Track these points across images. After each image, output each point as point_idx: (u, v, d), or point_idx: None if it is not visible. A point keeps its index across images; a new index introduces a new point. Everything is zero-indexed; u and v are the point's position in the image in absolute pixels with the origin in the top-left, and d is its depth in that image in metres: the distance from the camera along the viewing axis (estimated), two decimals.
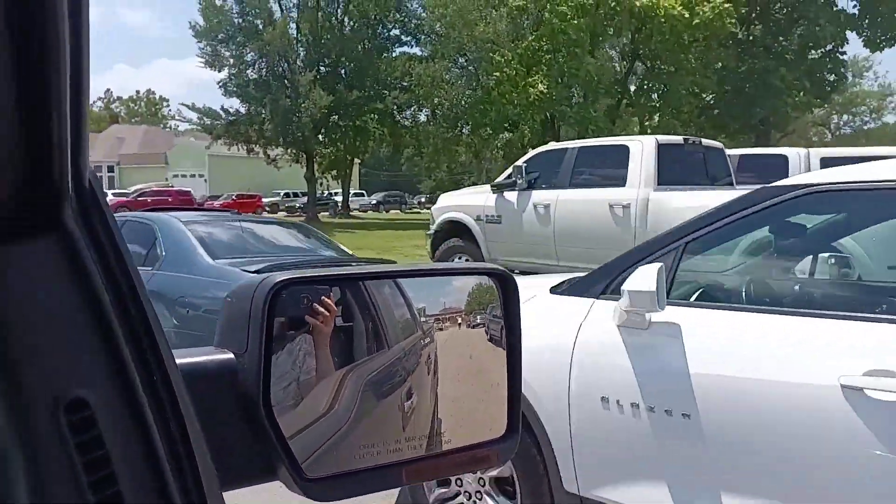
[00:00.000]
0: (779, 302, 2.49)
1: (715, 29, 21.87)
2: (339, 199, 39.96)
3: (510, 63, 22.27)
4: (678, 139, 7.52)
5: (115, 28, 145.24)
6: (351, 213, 38.35)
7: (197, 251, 4.65)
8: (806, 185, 2.27)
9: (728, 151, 8.36)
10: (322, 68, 30.23)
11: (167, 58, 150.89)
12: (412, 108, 30.69)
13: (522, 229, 8.08)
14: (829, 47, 25.52)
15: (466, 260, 8.86)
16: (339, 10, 31.26)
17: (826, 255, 2.81)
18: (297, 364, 0.59)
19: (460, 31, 24.99)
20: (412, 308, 0.68)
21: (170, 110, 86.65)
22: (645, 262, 2.39)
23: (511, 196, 8.26)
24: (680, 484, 2.22)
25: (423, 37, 30.70)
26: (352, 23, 31.07)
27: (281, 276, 0.58)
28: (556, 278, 3.23)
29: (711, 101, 26.72)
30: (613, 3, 21.58)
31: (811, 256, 2.82)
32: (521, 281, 2.96)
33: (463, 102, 26.22)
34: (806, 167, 9.66)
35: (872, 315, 2.07)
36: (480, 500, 2.75)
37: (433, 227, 9.36)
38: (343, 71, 30.71)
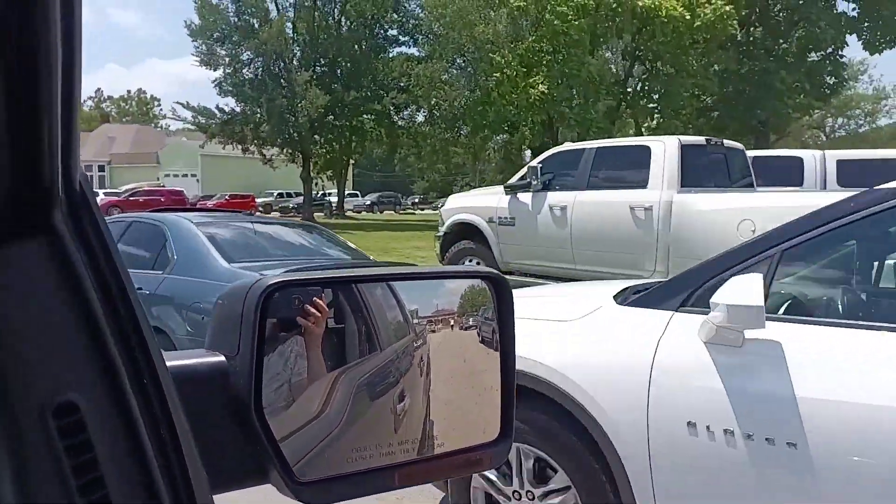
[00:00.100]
0: (890, 318, 2.26)
1: (716, 31, 21.76)
2: (333, 199, 39.65)
3: (510, 64, 22.06)
4: (700, 140, 7.31)
5: (105, 28, 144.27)
6: (346, 214, 38.03)
7: (211, 254, 4.39)
8: None
9: None
10: (319, 68, 29.93)
11: (158, 58, 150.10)
12: (409, 109, 30.40)
13: (537, 232, 7.84)
14: (829, 50, 25.48)
15: (478, 263, 8.63)
16: (335, 10, 30.99)
17: None
18: (289, 366, 0.58)
19: (460, 32, 24.76)
20: (405, 310, 0.67)
21: (161, 110, 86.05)
22: (733, 272, 2.17)
23: (525, 197, 8.03)
24: None
25: (420, 37, 30.45)
26: (349, 22, 30.79)
27: (273, 279, 0.57)
28: (616, 285, 3.01)
29: (710, 103, 26.64)
30: (615, 4, 21.42)
31: None
32: (579, 288, 2.72)
33: (461, 103, 25.98)
34: (822, 170, 9.50)
35: None
36: None
37: (442, 229, 9.11)
38: (340, 71, 30.42)
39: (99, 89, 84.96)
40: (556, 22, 21.09)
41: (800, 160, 9.60)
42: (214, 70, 29.70)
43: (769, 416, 1.99)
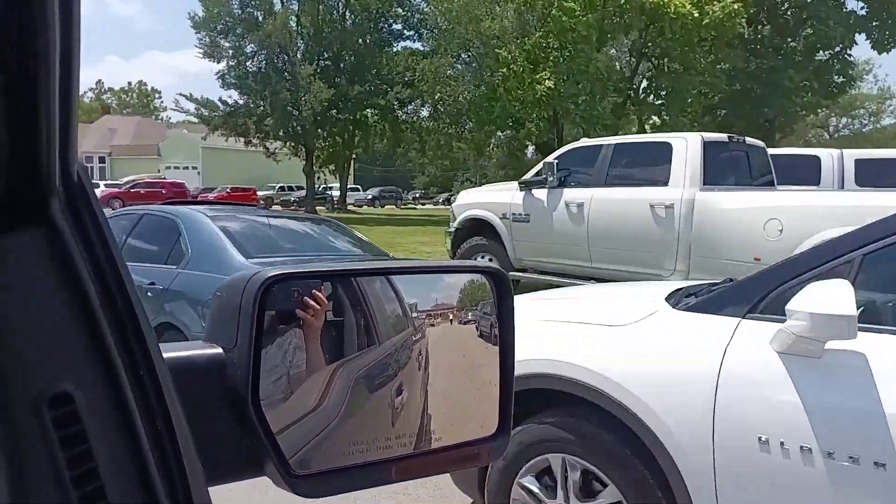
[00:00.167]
0: None
1: (724, 29, 21.56)
2: (335, 193, 39.47)
3: (517, 59, 21.84)
4: (723, 137, 7.14)
5: (105, 19, 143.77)
6: (347, 209, 37.85)
7: (228, 249, 4.23)
8: None
9: None
10: (322, 62, 29.71)
11: (158, 50, 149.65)
12: (414, 104, 30.18)
13: (552, 229, 7.69)
14: (837, 49, 25.29)
15: (490, 259, 8.48)
16: (340, 3, 30.73)
17: None
18: (287, 358, 0.58)
19: (465, 27, 24.54)
20: (403, 303, 0.67)
21: (161, 102, 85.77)
22: (810, 278, 2.01)
23: (540, 194, 7.87)
24: None
25: (425, 32, 30.22)
26: (353, 16, 30.54)
27: (272, 271, 0.58)
28: (662, 287, 2.86)
29: (716, 101, 26.46)
30: (623, 0, 21.21)
31: None
32: (622, 290, 2.54)
33: (466, 98, 25.77)
34: (840, 169, 9.34)
35: None
36: None
37: (454, 225, 8.95)
38: (343, 65, 30.19)
39: (99, 81, 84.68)
40: (563, 18, 20.87)
41: (817, 159, 9.44)
42: (218, 62, 29.50)
43: (853, 433, 1.84)
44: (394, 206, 47.82)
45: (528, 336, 2.72)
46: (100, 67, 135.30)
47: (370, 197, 48.21)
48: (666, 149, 6.84)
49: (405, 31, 31.54)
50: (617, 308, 2.74)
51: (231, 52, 29.42)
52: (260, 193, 39.16)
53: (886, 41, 24.58)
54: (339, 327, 0.62)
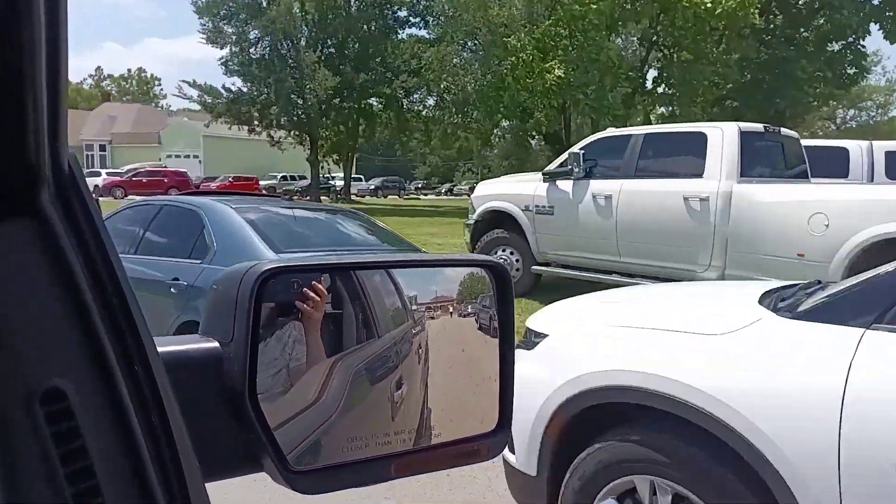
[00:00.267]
0: None
1: (737, 19, 21.22)
2: (338, 183, 39.15)
3: (525, 47, 21.48)
4: (758, 127, 6.88)
5: (105, 4, 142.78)
6: (351, 199, 37.56)
7: (256, 244, 3.98)
8: None
9: None
10: (326, 49, 29.31)
11: (158, 37, 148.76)
12: (420, 93, 29.79)
13: (578, 222, 7.44)
14: (850, 39, 24.93)
15: (511, 253, 8.24)
16: None
17: None
18: (287, 351, 0.58)
19: (473, 14, 24.15)
20: (403, 296, 0.66)
21: (161, 90, 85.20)
22: None
23: (565, 185, 7.61)
24: None
25: (431, 19, 29.81)
26: (358, 2, 30.09)
27: (269, 264, 0.57)
28: (751, 287, 2.62)
29: (725, 92, 26.12)
30: None
31: None
32: (708, 290, 2.26)
33: (473, 87, 25.42)
34: (869, 161, 9.09)
35: None
36: None
37: (473, 217, 8.69)
38: (348, 52, 29.80)
39: (99, 67, 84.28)
40: (575, 7, 20.49)
41: (845, 151, 9.19)
42: (221, 48, 29.08)
43: None
44: (397, 197, 47.52)
45: (604, 344, 2.48)
46: (99, 54, 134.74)
47: (373, 187, 47.87)
48: (700, 139, 6.58)
49: (411, 18, 31.11)
50: (708, 314, 2.50)
51: (234, 38, 29.00)
52: (263, 183, 38.87)
53: None
54: (337, 320, 0.62)
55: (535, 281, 8.21)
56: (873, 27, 24.54)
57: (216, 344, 0.55)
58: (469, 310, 0.71)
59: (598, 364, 2.36)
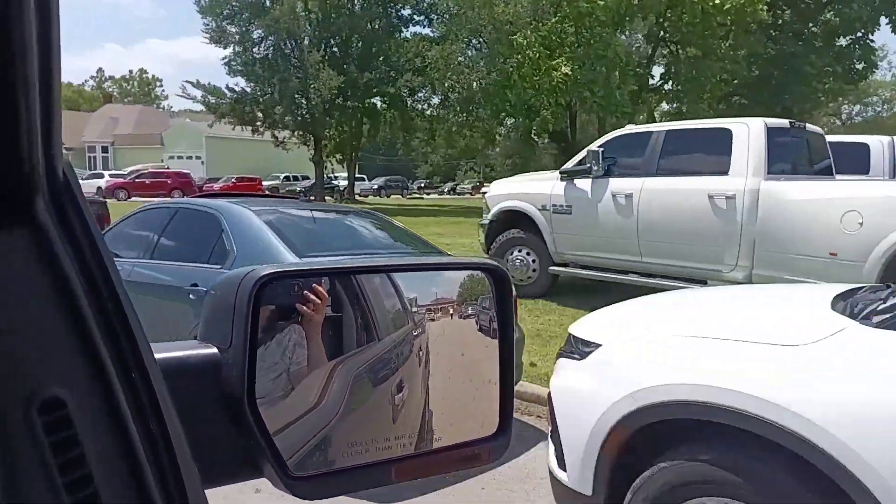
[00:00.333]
0: None
1: (745, 14, 21.02)
2: (342, 183, 39.00)
3: (532, 45, 21.29)
4: (784, 122, 6.70)
5: (104, 5, 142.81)
6: (356, 199, 37.42)
7: (278, 247, 3.82)
8: None
9: None
10: (331, 49, 29.12)
11: (158, 37, 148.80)
12: (424, 92, 29.58)
13: (597, 221, 7.27)
14: (859, 34, 24.70)
15: (527, 253, 8.08)
16: None
17: None
18: (287, 354, 0.57)
19: (478, 11, 23.96)
20: (403, 299, 0.66)
21: (163, 91, 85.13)
22: None
23: (583, 184, 7.44)
24: None
25: (435, 17, 29.59)
26: (362, 1, 29.89)
27: (266, 269, 0.56)
28: (817, 291, 2.46)
29: (731, 89, 25.91)
30: None
31: None
32: (766, 294, 2.05)
33: (478, 86, 25.23)
34: (890, 157, 8.90)
35: None
36: None
37: (488, 217, 8.52)
38: (352, 51, 29.61)
39: (100, 69, 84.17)
40: (582, 3, 20.28)
41: (865, 146, 9.00)
42: (225, 48, 28.89)
43: None
44: (399, 196, 47.35)
45: (665, 355, 2.31)
46: (100, 55, 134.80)
47: (376, 186, 47.68)
48: (725, 135, 6.41)
49: (415, 17, 30.90)
50: (779, 322, 2.33)
51: (237, 37, 28.82)
52: (266, 183, 38.73)
53: None
54: (337, 323, 0.61)
55: (552, 282, 8.04)
56: (882, 21, 24.30)
57: (214, 350, 0.55)
58: (469, 311, 0.70)
59: (660, 377, 2.20)
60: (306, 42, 28.54)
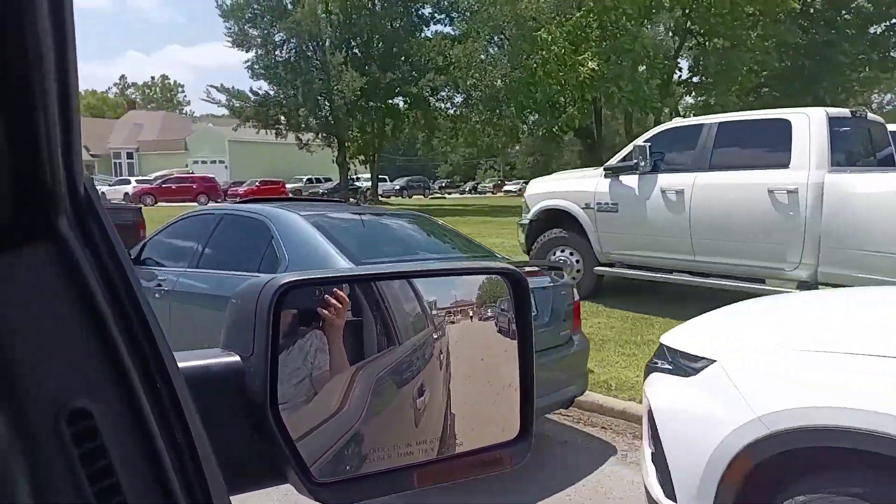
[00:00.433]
0: None
1: (774, 4, 20.50)
2: (364, 184, 38.95)
3: (557, 40, 20.94)
4: (845, 111, 6.36)
5: (125, 13, 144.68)
6: (380, 200, 37.34)
7: (331, 254, 3.61)
8: None
9: None
10: (352, 50, 29.02)
11: (178, 44, 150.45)
12: (447, 91, 29.34)
13: (646, 219, 6.98)
14: (894, 20, 23.98)
15: (571, 253, 7.81)
16: None
17: None
18: (309, 359, 0.58)
19: (501, 7, 23.67)
20: (423, 302, 0.66)
21: (185, 96, 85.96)
22: None
23: (630, 180, 7.16)
24: None
25: (456, 15, 29.35)
26: (382, 0, 29.72)
27: (286, 277, 0.57)
28: None
29: (761, 80, 25.33)
30: None
31: None
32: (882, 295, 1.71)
33: (501, 83, 24.94)
34: None
35: None
36: None
37: (527, 216, 8.26)
38: (374, 52, 29.48)
39: (123, 76, 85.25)
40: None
41: None
42: (247, 51, 28.91)
43: None
44: (421, 196, 47.22)
45: (792, 372, 2.05)
46: (122, 62, 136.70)
47: (398, 187, 47.61)
48: (783, 126, 6.09)
49: (435, 15, 30.65)
50: None
51: (259, 40, 28.82)
52: (289, 186, 38.82)
53: None
54: (358, 327, 0.61)
55: (597, 282, 7.77)
56: None
57: (237, 358, 0.55)
58: (489, 313, 0.70)
59: (796, 398, 1.94)
60: (328, 44, 28.45)
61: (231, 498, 0.46)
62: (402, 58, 28.84)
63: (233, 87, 28.67)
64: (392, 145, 47.19)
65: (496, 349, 0.70)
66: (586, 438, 4.36)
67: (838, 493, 1.84)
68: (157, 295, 4.19)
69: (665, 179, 6.85)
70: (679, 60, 25.23)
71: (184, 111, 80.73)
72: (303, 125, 28.68)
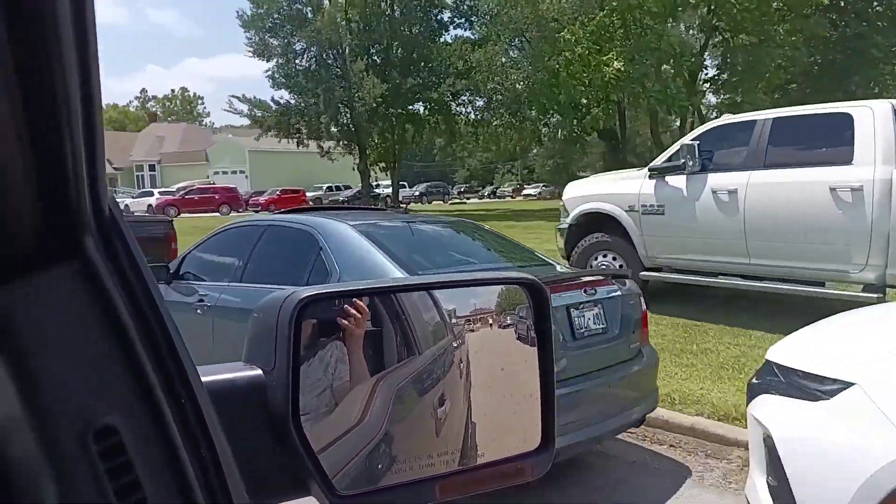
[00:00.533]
0: None
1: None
2: (385, 191, 38.86)
3: (581, 41, 20.61)
4: None
5: (144, 27, 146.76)
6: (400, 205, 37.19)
7: (386, 264, 3.39)
8: None
9: None
10: (372, 57, 28.96)
11: (197, 57, 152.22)
12: (467, 95, 29.15)
13: (695, 221, 6.67)
14: None
15: (614, 258, 7.51)
16: None
17: None
18: (330, 371, 0.58)
19: (521, 9, 23.41)
20: (442, 311, 0.65)
21: (204, 108, 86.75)
22: None
23: (677, 181, 6.85)
24: None
25: (476, 19, 29.16)
26: (401, 5, 29.63)
27: (306, 291, 0.57)
28: None
29: (788, 76, 24.75)
30: None
31: None
32: None
33: (523, 86, 24.65)
34: None
35: None
36: None
37: (567, 221, 7.96)
38: (394, 58, 29.39)
39: (143, 89, 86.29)
40: None
41: None
42: (267, 61, 28.97)
43: None
44: (441, 202, 47.03)
45: None
46: (142, 77, 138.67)
47: (417, 193, 47.49)
48: (844, 120, 5.76)
49: (455, 19, 30.50)
50: None
51: (280, 50, 28.86)
52: (309, 194, 38.86)
53: None
54: (377, 338, 0.61)
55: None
56: None
57: (259, 371, 0.55)
58: (508, 321, 0.70)
59: None
60: (348, 51, 28.41)
61: None
62: (423, 63, 28.71)
63: (255, 97, 28.75)
64: (410, 151, 47.22)
65: (516, 357, 0.69)
66: (655, 458, 4.07)
67: None
68: (199, 311, 3.99)
69: (716, 179, 6.53)
70: (709, 58, 24.79)
71: (203, 122, 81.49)
72: (324, 133, 28.63)
